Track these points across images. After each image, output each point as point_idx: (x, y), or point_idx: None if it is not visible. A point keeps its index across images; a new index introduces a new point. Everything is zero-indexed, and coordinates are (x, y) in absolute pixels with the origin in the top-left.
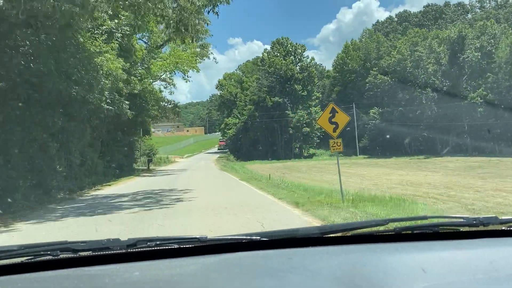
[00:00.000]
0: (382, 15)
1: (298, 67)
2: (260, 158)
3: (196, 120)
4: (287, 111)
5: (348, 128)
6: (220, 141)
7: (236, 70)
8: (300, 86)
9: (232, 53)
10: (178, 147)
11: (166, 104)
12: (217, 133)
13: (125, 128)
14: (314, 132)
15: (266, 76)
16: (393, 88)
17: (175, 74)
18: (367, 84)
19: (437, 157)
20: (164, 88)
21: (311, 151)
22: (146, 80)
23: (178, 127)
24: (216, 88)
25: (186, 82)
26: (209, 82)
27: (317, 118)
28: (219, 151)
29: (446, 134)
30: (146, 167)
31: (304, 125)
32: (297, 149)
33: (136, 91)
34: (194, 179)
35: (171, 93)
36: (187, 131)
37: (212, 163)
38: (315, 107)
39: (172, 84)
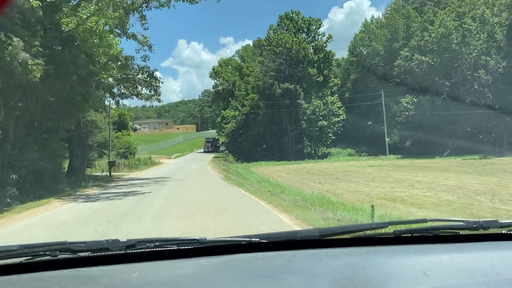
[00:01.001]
0: (373, 14)
1: (311, 46)
2: (265, 159)
3: (187, 118)
4: (299, 100)
5: (370, 122)
6: (206, 141)
7: (234, 55)
8: (315, 69)
9: (223, 53)
10: (165, 145)
11: (137, 74)
12: (211, 130)
13: (55, 107)
14: (331, 127)
15: (273, 58)
16: (432, 71)
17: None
18: (396, 68)
19: (497, 157)
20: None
21: (324, 149)
22: (85, 5)
23: (167, 124)
24: (210, 76)
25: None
26: (200, 82)
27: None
28: (211, 151)
29: (501, 128)
30: (112, 173)
31: (320, 117)
32: (309, 147)
33: (33, 4)
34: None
35: (144, 58)
36: (177, 129)
37: (207, 166)
38: (332, 96)
39: (146, 45)
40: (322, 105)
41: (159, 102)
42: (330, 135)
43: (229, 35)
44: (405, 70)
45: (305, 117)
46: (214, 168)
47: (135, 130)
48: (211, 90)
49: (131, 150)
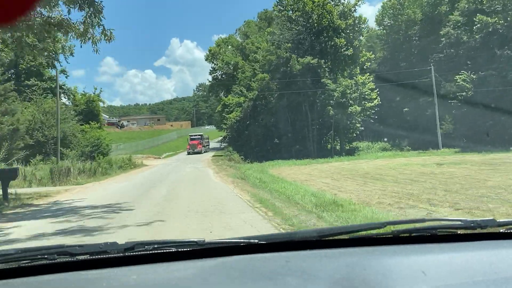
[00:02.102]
0: (366, 10)
1: (337, 11)
2: (281, 156)
3: (182, 115)
4: (324, 80)
5: (406, 109)
6: (191, 139)
7: (234, 33)
8: (343, 39)
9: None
10: (156, 143)
11: None
12: (207, 127)
13: None
14: (361, 115)
15: (289, 26)
16: (496, 38)
17: None
18: (442, 38)
19: None
20: None
21: (351, 143)
22: None
23: (158, 120)
24: (206, 59)
25: None
26: (194, 80)
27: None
28: (198, 152)
29: None
30: (29, 190)
31: (351, 101)
32: (335, 141)
33: None
34: None
35: None
36: (171, 125)
37: (208, 170)
38: (362, 75)
39: None
40: (353, 85)
41: (106, 38)
42: (358, 125)
43: (222, 32)
44: (456, 41)
45: (331, 101)
46: (220, 173)
47: (121, 126)
48: (208, 76)
49: (102, 148)
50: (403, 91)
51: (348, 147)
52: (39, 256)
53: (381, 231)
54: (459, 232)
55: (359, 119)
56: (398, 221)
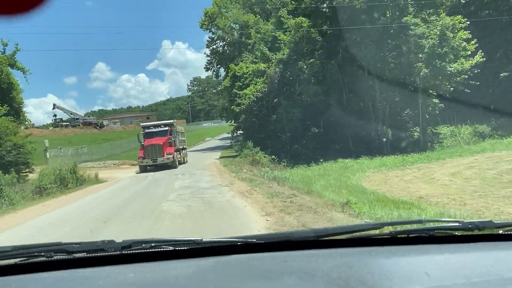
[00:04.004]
0: None
1: None
2: (337, 153)
3: (176, 114)
4: (407, 18)
5: (504, 73)
6: (147, 137)
7: None
8: None
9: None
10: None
11: None
12: (206, 124)
13: None
14: (452, 79)
15: None
16: None
17: None
18: None
19: None
20: None
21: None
22: None
23: (148, 118)
24: (202, 26)
25: None
26: (187, 82)
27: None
28: (209, 148)
29: None
30: None
31: (450, 55)
32: (416, 125)
33: None
34: None
35: None
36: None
37: (243, 209)
38: (451, 19)
39: None
40: (452, 27)
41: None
42: (436, 101)
43: None
44: None
45: (420, 55)
46: None
47: (101, 126)
48: (204, 66)
49: (2, 152)
50: (495, 45)
51: (431, 134)
52: (36, 253)
53: (378, 231)
54: (456, 233)
55: (445, 87)
56: (396, 222)
